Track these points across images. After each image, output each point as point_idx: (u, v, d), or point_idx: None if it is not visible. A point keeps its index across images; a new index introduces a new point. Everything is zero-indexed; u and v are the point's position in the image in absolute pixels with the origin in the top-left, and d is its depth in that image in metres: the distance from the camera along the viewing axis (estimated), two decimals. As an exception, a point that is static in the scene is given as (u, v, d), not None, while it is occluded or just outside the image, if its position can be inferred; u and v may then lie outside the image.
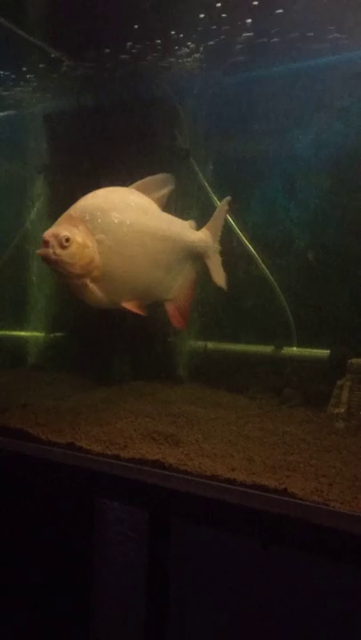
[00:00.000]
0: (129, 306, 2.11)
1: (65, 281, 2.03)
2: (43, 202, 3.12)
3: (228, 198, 2.32)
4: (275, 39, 2.37)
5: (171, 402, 2.41)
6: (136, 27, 2.40)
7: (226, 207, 2.33)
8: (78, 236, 1.97)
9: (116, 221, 2.05)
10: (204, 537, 2.45)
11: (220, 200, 2.63)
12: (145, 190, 2.17)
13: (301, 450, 1.84)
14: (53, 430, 2.00)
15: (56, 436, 1.95)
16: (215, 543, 2.42)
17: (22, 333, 3.28)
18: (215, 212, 2.34)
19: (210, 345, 2.78)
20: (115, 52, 2.58)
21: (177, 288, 2.28)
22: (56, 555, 2.55)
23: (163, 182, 2.22)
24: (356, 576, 1.97)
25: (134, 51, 2.54)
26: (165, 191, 2.21)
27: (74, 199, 2.06)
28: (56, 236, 1.94)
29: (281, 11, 2.20)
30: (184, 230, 2.28)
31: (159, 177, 2.22)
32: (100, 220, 2.03)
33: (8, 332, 3.33)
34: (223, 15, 2.26)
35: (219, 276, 2.32)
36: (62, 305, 3.07)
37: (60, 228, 1.97)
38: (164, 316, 2.37)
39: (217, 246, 2.32)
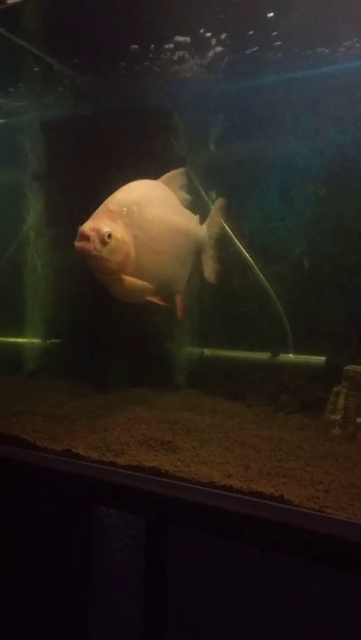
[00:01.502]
0: (154, 299, 2.12)
1: (98, 275, 2.00)
2: (39, 209, 3.12)
3: (221, 199, 2.43)
4: (272, 49, 2.39)
5: (168, 408, 2.41)
6: (134, 35, 2.42)
7: (220, 206, 2.41)
8: (118, 231, 1.92)
9: (150, 217, 2.05)
10: (201, 543, 2.45)
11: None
12: (169, 184, 2.21)
13: (298, 456, 1.84)
14: (50, 437, 2.01)
15: (53, 442, 1.95)
16: (212, 549, 2.42)
17: (19, 340, 3.28)
18: (212, 211, 2.43)
19: (207, 352, 2.79)
20: (112, 60, 2.59)
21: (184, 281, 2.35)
22: (53, 561, 2.55)
23: (183, 176, 2.26)
24: (353, 582, 1.97)
25: (132, 59, 2.56)
26: (185, 186, 2.27)
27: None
28: (98, 231, 1.87)
29: (279, 21, 2.22)
30: (196, 225, 2.34)
31: (180, 171, 2.26)
32: (136, 216, 2.01)
33: (5, 339, 3.33)
34: (221, 24, 2.28)
35: (210, 271, 2.41)
36: (59, 311, 3.07)
37: (102, 223, 1.90)
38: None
39: (212, 242, 2.40)
